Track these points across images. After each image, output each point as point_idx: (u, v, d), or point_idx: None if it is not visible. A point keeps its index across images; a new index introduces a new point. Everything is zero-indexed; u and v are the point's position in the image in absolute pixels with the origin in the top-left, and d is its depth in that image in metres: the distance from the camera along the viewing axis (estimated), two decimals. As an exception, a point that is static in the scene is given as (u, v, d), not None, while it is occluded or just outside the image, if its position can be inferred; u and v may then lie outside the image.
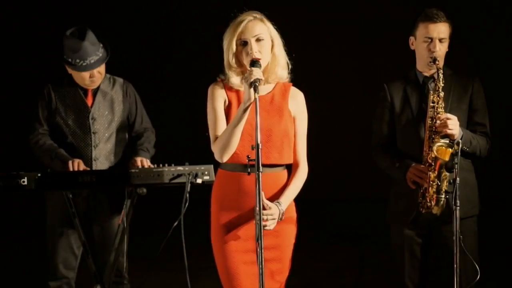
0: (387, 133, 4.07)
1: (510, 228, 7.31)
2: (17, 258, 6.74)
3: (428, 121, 3.87)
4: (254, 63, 3.46)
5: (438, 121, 3.84)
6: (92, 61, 4.23)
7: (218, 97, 3.56)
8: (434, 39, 3.92)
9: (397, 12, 8.76)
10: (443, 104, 3.87)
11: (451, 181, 3.74)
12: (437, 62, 3.87)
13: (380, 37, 8.84)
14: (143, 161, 4.19)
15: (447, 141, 3.81)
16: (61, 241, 4.31)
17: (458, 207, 3.66)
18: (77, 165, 4.15)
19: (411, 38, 4.03)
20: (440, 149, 3.80)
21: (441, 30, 3.93)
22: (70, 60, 4.24)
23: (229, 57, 3.54)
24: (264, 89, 3.59)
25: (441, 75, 3.87)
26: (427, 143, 3.87)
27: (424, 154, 3.88)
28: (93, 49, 4.23)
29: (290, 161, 3.60)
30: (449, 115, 3.83)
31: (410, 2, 8.61)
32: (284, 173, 3.60)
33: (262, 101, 3.55)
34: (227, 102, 3.57)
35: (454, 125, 3.82)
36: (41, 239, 4.49)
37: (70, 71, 4.30)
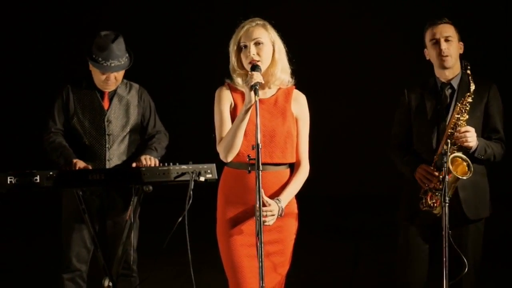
0: (403, 135, 4.10)
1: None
2: (32, 251, 6.76)
3: (449, 130, 3.86)
4: (255, 67, 3.50)
5: (457, 134, 3.82)
6: (113, 64, 4.27)
7: (224, 100, 3.60)
8: (439, 39, 3.93)
9: (393, 22, 8.80)
10: (466, 117, 3.85)
11: (440, 179, 3.75)
12: (468, 72, 3.84)
13: (376, 45, 8.87)
14: (147, 159, 4.21)
15: (463, 155, 3.80)
16: (74, 236, 4.35)
17: (447, 204, 3.69)
18: (77, 164, 4.17)
19: (425, 50, 4.04)
20: (456, 160, 3.81)
21: (443, 29, 3.94)
22: (94, 56, 4.28)
23: (232, 60, 3.57)
24: (268, 93, 3.64)
25: (472, 87, 3.82)
26: (442, 149, 3.84)
27: (434, 158, 3.89)
28: (118, 54, 4.28)
29: (293, 160, 3.64)
30: (468, 128, 3.83)
31: (406, 12, 8.69)
32: (287, 171, 3.65)
33: (266, 103, 3.60)
34: (233, 104, 3.61)
35: (472, 138, 3.82)
36: (55, 234, 4.52)
37: (91, 67, 4.35)
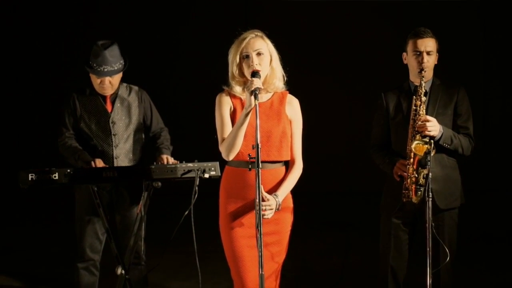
0: (382, 135, 4.15)
1: (486, 218, 7.37)
2: (49, 242, 6.77)
3: (411, 122, 3.92)
4: (255, 74, 3.54)
5: (418, 122, 3.89)
6: (106, 70, 4.31)
7: (224, 105, 3.63)
8: (422, 52, 3.97)
9: (379, 33, 8.80)
10: (424, 107, 3.92)
11: (424, 176, 3.77)
12: (422, 72, 3.93)
13: (361, 54, 8.89)
14: (168, 159, 4.25)
15: (425, 139, 3.84)
16: (88, 228, 4.40)
17: (430, 199, 3.73)
18: (98, 164, 4.20)
19: (404, 54, 4.09)
20: (418, 146, 3.85)
21: (427, 44, 3.98)
22: (90, 62, 4.34)
23: (233, 69, 3.60)
24: (264, 97, 3.68)
25: (423, 83, 3.92)
26: (409, 141, 3.92)
27: (407, 151, 3.94)
28: (112, 60, 4.31)
29: (288, 158, 3.69)
30: (428, 117, 3.89)
31: (389, 25, 8.69)
32: (282, 168, 3.69)
33: (263, 106, 3.64)
34: (232, 108, 3.64)
35: (432, 126, 3.87)
36: (70, 226, 4.54)
37: (90, 73, 4.40)
